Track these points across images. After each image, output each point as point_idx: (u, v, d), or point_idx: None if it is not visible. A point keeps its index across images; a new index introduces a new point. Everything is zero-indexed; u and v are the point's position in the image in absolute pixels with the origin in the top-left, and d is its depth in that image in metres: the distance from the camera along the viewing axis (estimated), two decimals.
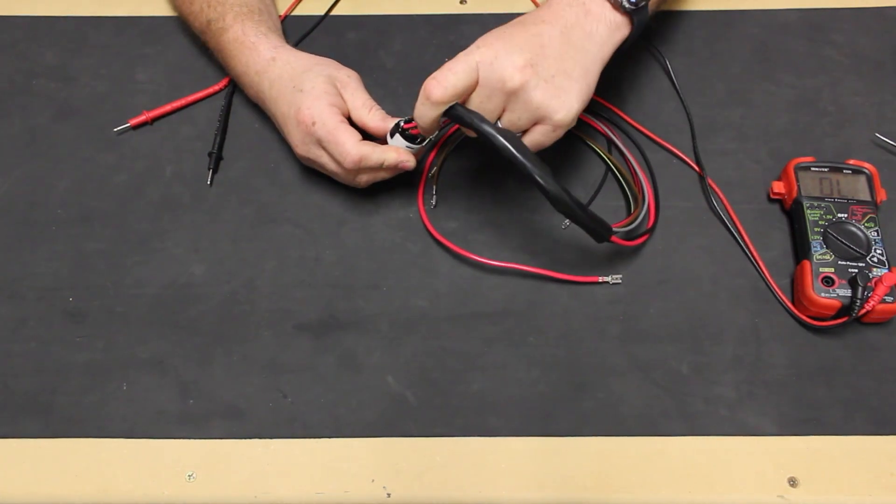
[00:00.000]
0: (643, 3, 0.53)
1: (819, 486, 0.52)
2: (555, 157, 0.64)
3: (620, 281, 0.59)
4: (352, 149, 0.56)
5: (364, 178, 0.59)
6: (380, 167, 0.57)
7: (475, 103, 0.52)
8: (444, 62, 0.51)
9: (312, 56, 0.62)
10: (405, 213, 0.63)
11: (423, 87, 0.51)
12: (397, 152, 0.57)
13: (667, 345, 0.57)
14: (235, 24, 0.63)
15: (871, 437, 0.53)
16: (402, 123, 0.57)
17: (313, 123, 0.56)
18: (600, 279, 0.59)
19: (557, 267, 0.59)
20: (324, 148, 0.57)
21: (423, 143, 0.58)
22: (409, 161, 0.58)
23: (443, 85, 0.50)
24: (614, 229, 0.54)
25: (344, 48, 0.72)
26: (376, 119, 0.58)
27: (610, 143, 0.65)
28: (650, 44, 0.70)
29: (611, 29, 0.53)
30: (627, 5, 0.53)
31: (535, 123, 0.53)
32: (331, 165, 0.58)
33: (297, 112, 0.57)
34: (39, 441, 0.54)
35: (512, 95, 0.51)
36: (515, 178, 0.64)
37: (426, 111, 0.51)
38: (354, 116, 0.59)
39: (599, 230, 0.54)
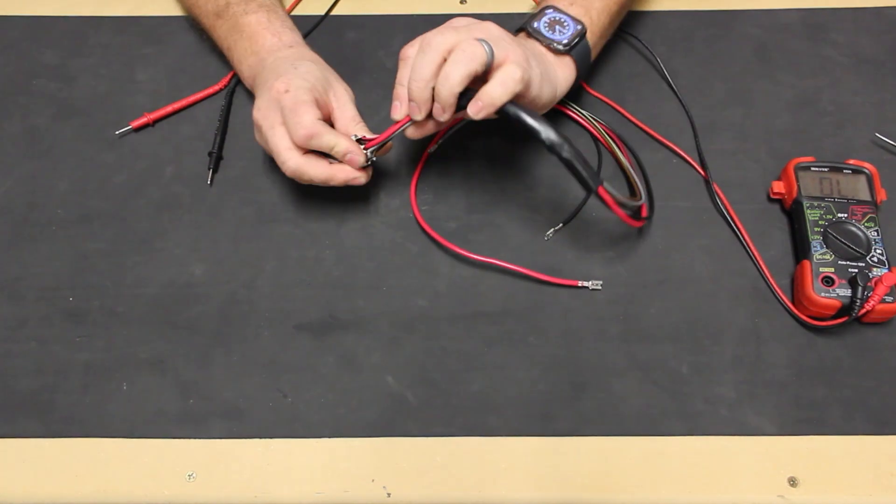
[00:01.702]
0: (576, 42, 0.58)
1: (819, 486, 0.52)
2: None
3: (600, 287, 0.59)
4: (308, 122, 0.55)
5: (292, 169, 0.56)
6: (330, 149, 0.56)
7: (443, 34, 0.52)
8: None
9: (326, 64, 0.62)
10: (405, 213, 0.62)
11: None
12: (349, 143, 0.56)
13: (667, 345, 0.57)
14: (261, 11, 0.64)
15: (871, 437, 0.53)
16: (360, 137, 0.56)
17: (286, 91, 0.56)
18: (580, 283, 0.58)
19: (557, 265, 0.59)
20: (283, 120, 0.56)
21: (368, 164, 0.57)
22: (359, 177, 0.57)
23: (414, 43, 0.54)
24: (609, 190, 0.53)
25: (344, 48, 0.72)
26: (360, 133, 0.57)
27: (607, 136, 0.65)
28: (650, 44, 0.70)
29: (561, 68, 0.59)
30: (561, 48, 0.58)
31: (493, 70, 0.52)
32: (278, 139, 0.56)
33: (277, 79, 0.57)
34: (39, 441, 0.54)
35: (476, 26, 0.53)
36: (515, 178, 0.64)
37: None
38: (340, 126, 0.58)
39: (589, 180, 0.52)
